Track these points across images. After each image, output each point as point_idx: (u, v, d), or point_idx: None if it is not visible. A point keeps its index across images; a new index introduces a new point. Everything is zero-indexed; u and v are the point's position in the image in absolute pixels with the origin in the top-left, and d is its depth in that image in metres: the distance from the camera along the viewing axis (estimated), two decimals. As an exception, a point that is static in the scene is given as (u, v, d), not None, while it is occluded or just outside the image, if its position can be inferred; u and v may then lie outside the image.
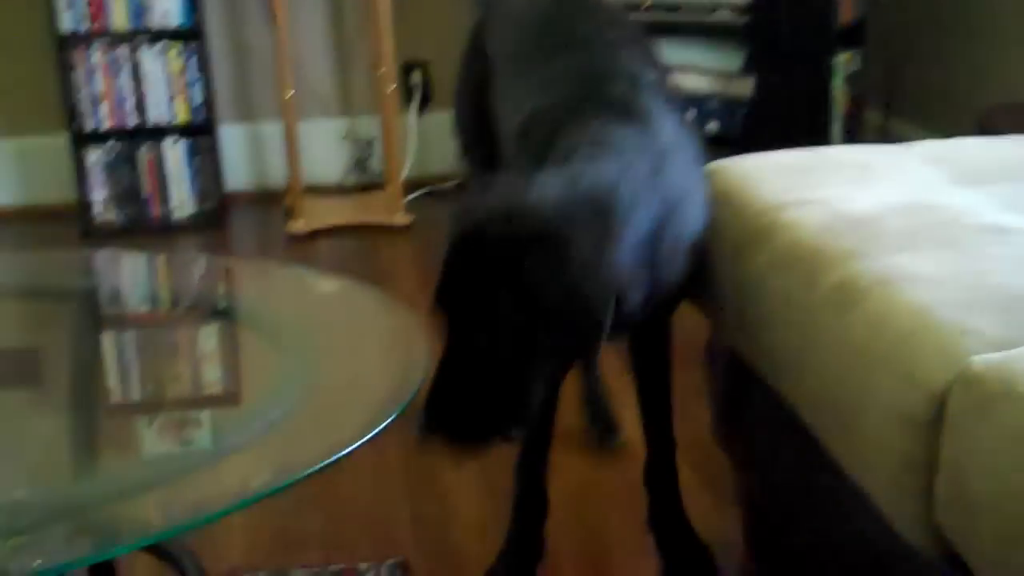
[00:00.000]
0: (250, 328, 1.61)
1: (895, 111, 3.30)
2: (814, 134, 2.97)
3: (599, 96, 1.52)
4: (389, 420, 1.14)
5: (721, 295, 1.60)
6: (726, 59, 3.06)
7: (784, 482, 1.62)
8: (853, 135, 3.10)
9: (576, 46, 1.65)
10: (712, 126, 3.07)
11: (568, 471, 2.06)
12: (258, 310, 1.62)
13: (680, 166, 1.50)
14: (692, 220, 1.52)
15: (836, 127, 3.02)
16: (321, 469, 1.06)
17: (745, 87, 3.03)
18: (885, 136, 3.30)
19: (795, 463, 1.54)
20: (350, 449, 1.08)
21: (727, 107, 3.06)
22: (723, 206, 1.63)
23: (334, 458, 1.07)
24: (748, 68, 3.03)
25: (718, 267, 1.60)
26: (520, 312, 1.29)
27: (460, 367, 1.32)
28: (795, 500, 1.60)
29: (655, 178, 1.43)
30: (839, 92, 3.02)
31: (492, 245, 1.31)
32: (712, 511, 1.95)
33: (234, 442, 1.26)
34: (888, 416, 1.15)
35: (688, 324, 1.79)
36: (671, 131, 1.52)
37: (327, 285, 1.71)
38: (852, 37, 3.07)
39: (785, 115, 2.99)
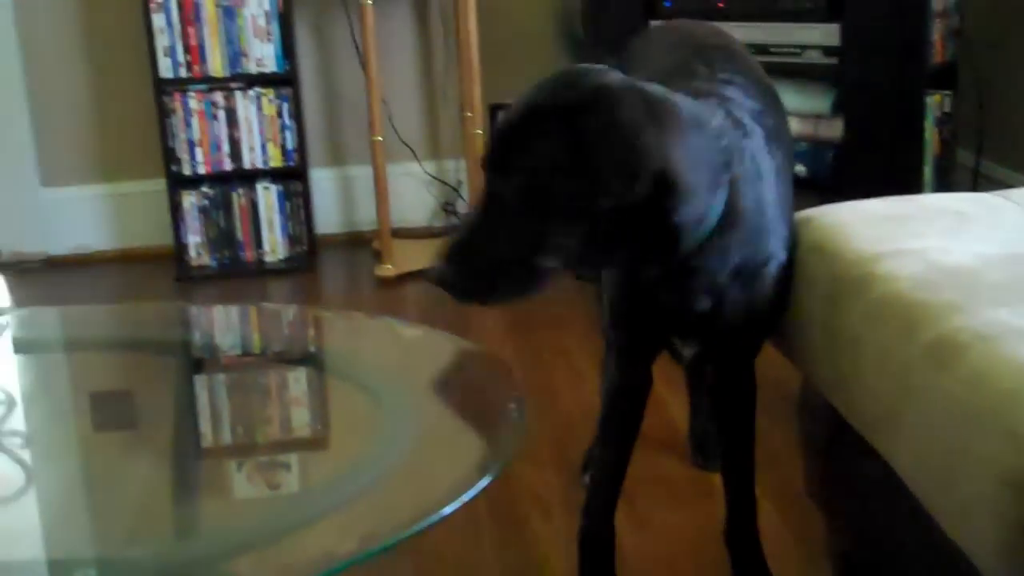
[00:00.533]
0: (342, 380, 1.63)
1: (987, 153, 3.24)
2: (905, 177, 2.93)
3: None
4: (483, 483, 1.14)
5: (814, 347, 1.58)
6: (815, 101, 3.04)
7: (881, 538, 1.59)
8: (944, 178, 3.05)
9: (683, 77, 1.65)
10: (801, 169, 3.04)
11: (658, 523, 2.05)
12: (351, 362, 1.64)
13: (762, 181, 1.50)
14: (770, 242, 1.53)
15: (928, 170, 2.98)
16: (410, 535, 1.07)
17: (834, 129, 3.01)
18: (977, 178, 3.25)
19: (892, 519, 1.51)
20: (442, 515, 1.09)
21: (816, 150, 3.04)
22: (816, 256, 1.61)
23: (425, 524, 1.08)
24: (837, 110, 3.01)
25: (810, 318, 1.59)
26: (560, 167, 1.31)
27: (488, 224, 1.35)
28: (892, 557, 1.57)
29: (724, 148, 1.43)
30: (930, 134, 2.98)
31: (548, 101, 1.36)
32: (805, 567, 1.92)
33: (326, 503, 1.27)
34: (990, 477, 1.13)
35: (779, 374, 1.78)
36: (758, 146, 1.51)
37: (420, 336, 1.73)
38: (943, 78, 3.03)
39: (875, 158, 2.96)
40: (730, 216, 1.45)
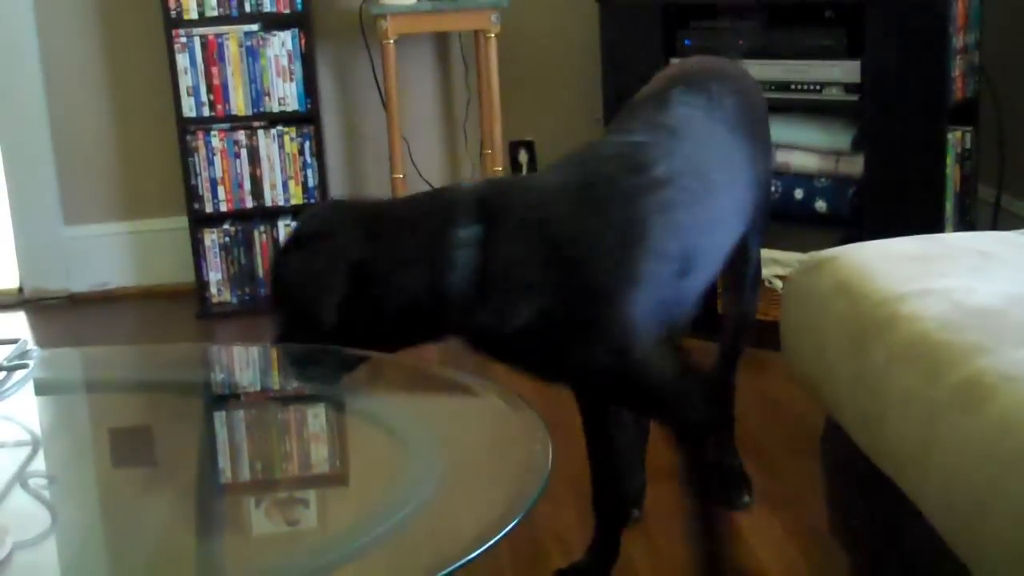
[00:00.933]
0: (363, 420, 1.63)
1: (1008, 189, 3.24)
2: (925, 213, 2.92)
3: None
4: (508, 527, 1.14)
5: (839, 386, 1.58)
6: (836, 137, 3.04)
7: (907, 580, 1.58)
8: (965, 214, 3.04)
9: (621, 131, 1.82)
10: (822, 205, 3.04)
11: (676, 558, 2.04)
12: (372, 402, 1.64)
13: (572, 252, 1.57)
14: (578, 309, 1.57)
15: (949, 206, 2.97)
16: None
17: (855, 165, 3.00)
18: (997, 214, 3.24)
19: (918, 560, 1.50)
20: (466, 560, 1.08)
21: (836, 185, 3.04)
22: (840, 295, 1.61)
23: (449, 570, 1.07)
24: (858, 147, 3.01)
25: (835, 357, 1.58)
26: (286, 284, 1.63)
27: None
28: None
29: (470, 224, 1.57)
30: (951, 170, 2.97)
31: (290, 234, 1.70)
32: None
33: (347, 546, 1.26)
34: (1019, 521, 1.12)
35: (802, 411, 1.77)
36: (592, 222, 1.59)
37: (442, 375, 1.73)
38: (964, 115, 3.03)
39: (896, 193, 2.96)
40: (482, 288, 1.57)
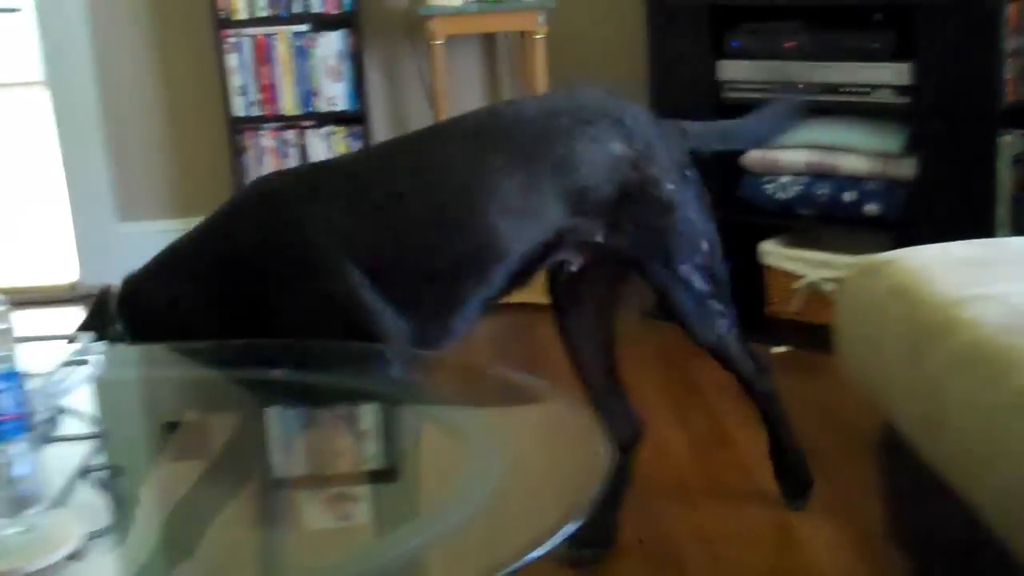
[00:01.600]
0: (422, 418, 1.64)
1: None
2: (978, 216, 2.90)
3: None
4: (569, 528, 1.14)
5: (896, 389, 1.57)
6: (887, 140, 3.03)
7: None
8: (1019, 217, 3.02)
9: None
10: (871, 208, 3.03)
11: (734, 562, 2.04)
12: (430, 400, 1.65)
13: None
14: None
15: (1002, 209, 2.95)
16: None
17: (906, 168, 2.99)
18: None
19: (978, 566, 1.49)
20: (527, 560, 1.08)
21: (887, 188, 3.02)
22: (897, 299, 1.61)
23: (509, 570, 1.08)
24: (909, 149, 2.99)
25: (892, 361, 1.58)
26: None
27: None
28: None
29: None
30: (1004, 174, 2.95)
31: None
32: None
33: (406, 545, 1.27)
34: (1085, 527, 1.12)
35: (854, 417, 1.77)
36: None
37: (498, 375, 1.74)
38: (1016, 118, 3.00)
39: (948, 197, 2.94)
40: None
